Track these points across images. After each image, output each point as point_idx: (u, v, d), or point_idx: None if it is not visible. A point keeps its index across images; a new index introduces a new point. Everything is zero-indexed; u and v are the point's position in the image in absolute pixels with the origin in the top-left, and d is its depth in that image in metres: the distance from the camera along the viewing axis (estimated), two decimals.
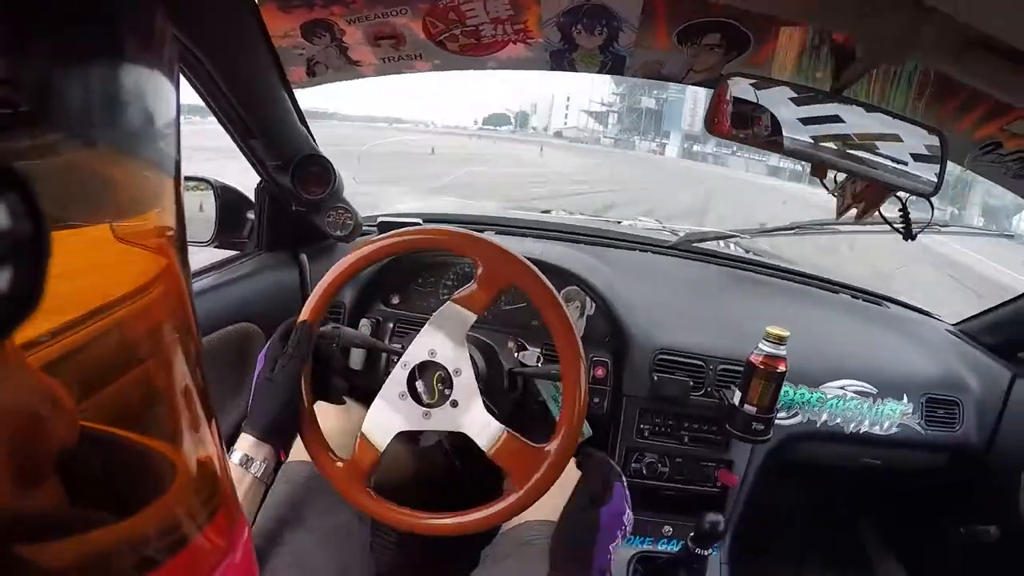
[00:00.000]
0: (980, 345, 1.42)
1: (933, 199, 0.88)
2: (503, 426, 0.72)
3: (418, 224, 1.22)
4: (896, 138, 0.84)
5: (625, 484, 0.78)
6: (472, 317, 0.73)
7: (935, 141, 0.84)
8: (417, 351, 0.74)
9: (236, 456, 0.68)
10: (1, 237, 0.18)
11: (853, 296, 1.51)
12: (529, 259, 0.73)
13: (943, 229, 1.21)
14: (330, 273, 0.77)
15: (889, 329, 1.42)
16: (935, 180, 0.85)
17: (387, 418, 0.74)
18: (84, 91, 0.21)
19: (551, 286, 0.72)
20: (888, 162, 0.84)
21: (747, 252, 1.59)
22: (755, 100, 0.83)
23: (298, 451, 0.88)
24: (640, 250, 1.48)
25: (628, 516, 0.77)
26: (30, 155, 0.19)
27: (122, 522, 0.23)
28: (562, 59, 1.03)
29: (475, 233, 0.75)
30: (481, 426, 0.72)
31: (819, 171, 0.86)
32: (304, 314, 0.76)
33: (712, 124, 0.83)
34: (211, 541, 0.27)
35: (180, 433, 0.27)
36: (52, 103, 0.20)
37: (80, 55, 0.21)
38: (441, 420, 0.74)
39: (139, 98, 0.23)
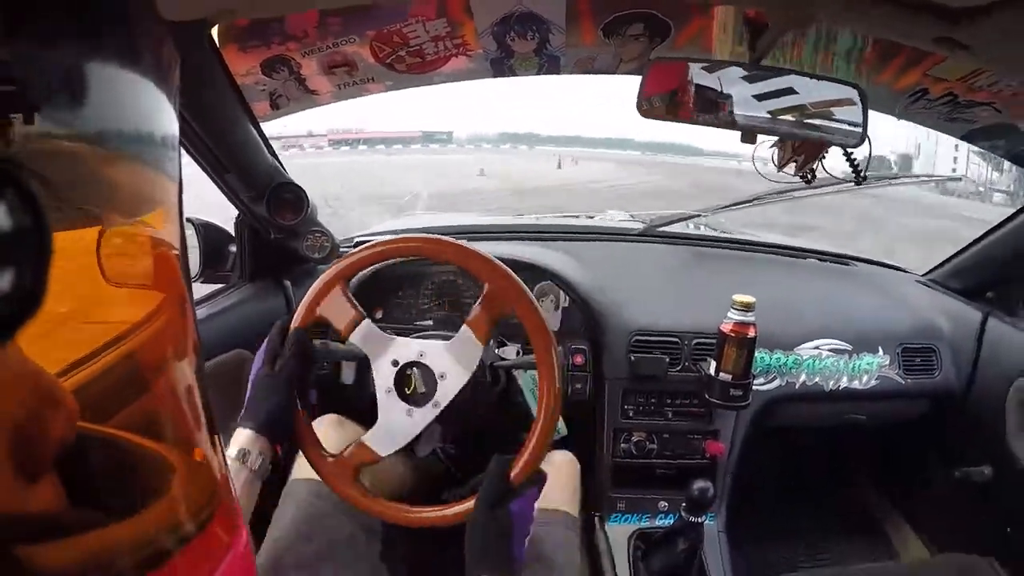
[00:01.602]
0: (949, 291, 1.45)
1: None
2: None
3: None
4: (816, 97, 0.90)
5: (541, 489, 0.78)
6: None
7: (854, 94, 0.89)
8: (407, 351, 0.77)
9: (233, 450, 0.69)
10: (3, 237, 0.18)
11: (820, 259, 1.55)
12: (500, 259, 0.76)
13: (894, 181, 1.25)
14: (320, 279, 0.79)
15: (858, 286, 1.45)
16: (860, 131, 0.90)
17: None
18: (85, 93, 0.21)
19: (519, 280, 0.75)
20: (813, 120, 0.89)
21: (714, 231, 1.63)
22: (685, 78, 0.88)
23: (301, 469, 0.91)
24: (609, 240, 1.53)
25: (547, 512, 0.78)
26: (30, 156, 0.19)
27: (122, 523, 0.24)
28: (502, 66, 1.10)
29: (485, 252, 0.77)
30: (461, 348, 0.76)
31: (749, 137, 0.91)
32: (296, 321, 0.78)
33: (642, 108, 0.88)
34: (210, 542, 0.27)
35: (180, 434, 0.28)
36: (51, 104, 0.20)
37: (82, 59, 0.21)
38: (422, 419, 0.77)
39: (142, 103, 0.24)
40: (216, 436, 0.30)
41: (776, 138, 0.93)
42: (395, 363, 0.77)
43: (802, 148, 0.93)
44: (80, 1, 0.22)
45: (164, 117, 0.26)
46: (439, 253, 0.79)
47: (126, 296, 0.26)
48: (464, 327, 0.76)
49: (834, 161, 1.00)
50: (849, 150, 0.94)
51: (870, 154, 0.96)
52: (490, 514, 0.70)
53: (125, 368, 0.25)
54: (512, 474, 0.73)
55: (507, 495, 0.72)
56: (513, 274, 0.75)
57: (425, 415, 0.77)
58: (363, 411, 0.79)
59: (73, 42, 0.21)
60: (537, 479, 0.76)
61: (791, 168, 0.94)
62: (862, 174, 0.96)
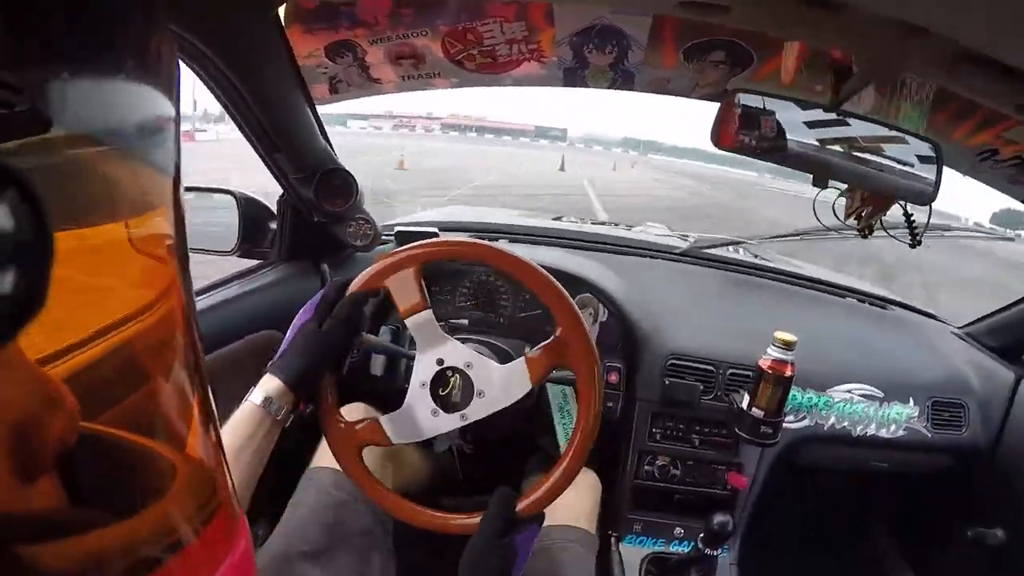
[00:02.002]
0: (985, 348, 1.44)
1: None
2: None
3: (434, 232, 1.26)
4: (893, 147, 0.88)
5: (541, 526, 0.76)
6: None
7: (930, 150, 0.88)
8: (456, 355, 0.75)
9: (258, 396, 0.67)
10: (3, 238, 0.18)
11: (859, 300, 1.54)
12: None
13: (945, 233, 1.24)
14: (397, 253, 0.75)
15: (895, 332, 1.44)
16: (932, 187, 0.89)
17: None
18: (82, 93, 0.21)
19: (566, 293, 0.74)
20: (886, 171, 0.88)
21: (755, 257, 1.62)
22: (762, 107, 0.87)
23: (323, 457, 0.90)
24: (651, 257, 1.51)
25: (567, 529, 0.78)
26: (30, 156, 0.19)
27: (122, 523, 0.24)
28: (575, 76, 1.08)
29: (560, 286, 0.75)
30: (510, 378, 0.75)
31: (822, 181, 0.89)
32: (356, 284, 0.75)
33: (718, 138, 0.87)
34: (210, 542, 0.27)
35: (180, 435, 0.27)
36: (51, 105, 0.20)
37: (78, 59, 0.21)
38: (444, 425, 0.75)
39: (138, 102, 0.24)
40: (217, 437, 0.30)
41: (845, 186, 0.92)
42: (440, 362, 0.76)
43: (871, 200, 0.92)
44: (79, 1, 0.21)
45: (164, 115, 0.25)
46: (520, 276, 0.76)
47: (121, 293, 0.25)
48: (521, 360, 0.74)
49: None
50: (909, 211, 0.93)
51: (930, 214, 0.95)
52: (493, 543, 0.68)
53: (123, 367, 0.25)
54: (520, 507, 0.72)
55: (510, 529, 0.70)
56: (588, 332, 0.73)
57: (449, 422, 0.75)
58: (386, 405, 0.78)
59: (72, 41, 0.21)
60: (540, 517, 0.74)
61: (854, 220, 0.93)
62: (918, 237, 0.94)
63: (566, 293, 0.73)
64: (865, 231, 0.93)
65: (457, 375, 0.77)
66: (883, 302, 1.55)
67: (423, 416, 0.76)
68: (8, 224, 0.18)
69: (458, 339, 0.78)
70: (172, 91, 0.26)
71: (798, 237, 1.35)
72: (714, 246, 1.53)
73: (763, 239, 1.48)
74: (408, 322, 0.75)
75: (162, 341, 0.27)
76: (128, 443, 0.25)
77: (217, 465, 0.29)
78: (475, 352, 0.77)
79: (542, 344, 0.74)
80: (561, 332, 0.73)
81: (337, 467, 0.79)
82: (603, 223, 1.74)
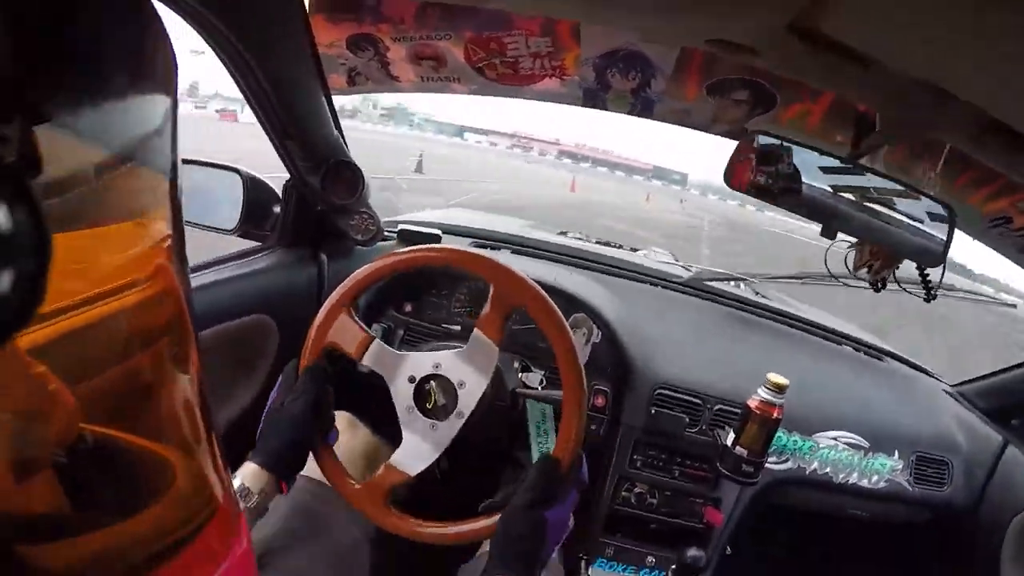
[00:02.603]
0: (975, 408, 1.44)
1: None
2: None
3: (437, 234, 1.26)
4: (906, 203, 0.88)
5: (578, 495, 0.77)
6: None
7: (943, 212, 0.88)
8: (422, 365, 0.77)
9: (235, 483, 0.67)
10: (2, 238, 0.18)
11: (855, 348, 1.54)
12: (540, 283, 0.75)
13: (949, 292, 1.24)
14: (323, 308, 0.78)
15: (886, 384, 1.44)
16: (941, 248, 0.88)
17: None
18: (80, 95, 0.21)
19: (559, 313, 0.75)
20: (895, 225, 0.87)
21: (756, 295, 1.62)
22: (779, 146, 0.86)
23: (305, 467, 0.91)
24: (651, 283, 1.51)
25: (571, 523, 0.76)
26: (30, 156, 0.19)
27: (122, 524, 0.24)
28: (595, 98, 1.07)
29: (486, 254, 0.78)
30: (476, 352, 0.76)
31: (830, 232, 0.89)
32: (305, 359, 0.78)
33: (731, 177, 0.86)
34: (210, 542, 0.27)
35: (180, 436, 0.28)
36: (51, 106, 0.20)
37: (74, 61, 0.21)
38: (447, 432, 0.76)
39: (133, 104, 0.24)
40: (216, 438, 0.30)
41: (855, 239, 0.91)
42: (412, 379, 0.77)
43: (879, 255, 0.91)
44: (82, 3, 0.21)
45: (163, 118, 0.25)
46: (439, 260, 0.80)
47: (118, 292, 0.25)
48: (475, 330, 0.75)
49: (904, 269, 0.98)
50: (923, 267, 0.92)
51: (943, 273, 0.95)
52: (529, 511, 0.69)
53: (123, 368, 0.25)
54: (557, 454, 0.73)
55: (554, 492, 0.71)
56: (517, 270, 0.75)
57: (451, 427, 0.76)
58: (378, 408, 0.78)
59: (75, 44, 0.21)
60: (581, 481, 0.76)
61: (864, 272, 0.92)
62: (932, 292, 0.94)
63: (479, 252, 0.77)
64: (877, 284, 0.93)
65: (433, 381, 0.78)
66: (879, 353, 1.55)
67: (425, 436, 0.76)
68: (6, 224, 0.18)
69: (420, 351, 0.80)
70: (168, 87, 0.26)
71: (800, 280, 1.34)
72: (717, 279, 1.53)
73: (767, 278, 1.48)
74: (364, 361, 0.77)
75: (161, 344, 0.27)
76: (128, 444, 0.25)
77: (217, 465, 0.29)
78: (437, 352, 0.78)
79: (487, 303, 0.75)
80: (493, 285, 0.75)
81: (319, 477, 0.80)
82: (607, 243, 1.72)
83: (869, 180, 0.87)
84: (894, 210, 0.88)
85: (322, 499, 0.86)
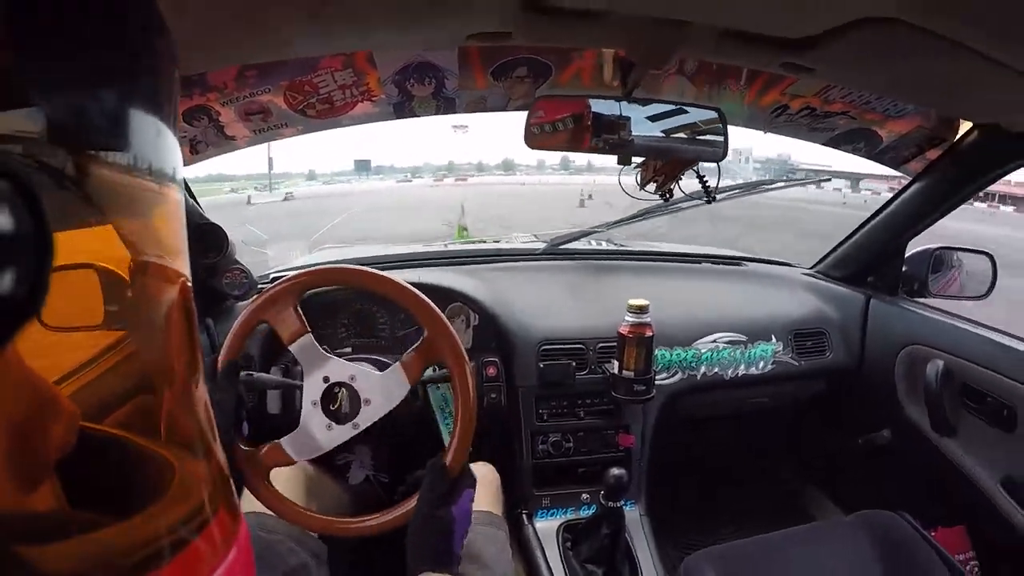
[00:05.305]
0: (834, 279, 1.62)
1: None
2: None
3: None
4: (682, 119, 1.03)
5: (475, 489, 0.83)
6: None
7: (714, 115, 1.01)
8: (340, 371, 0.83)
9: None
10: (2, 238, 0.18)
11: (713, 263, 1.71)
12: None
13: (736, 191, 1.42)
14: (272, 289, 0.82)
15: (750, 283, 1.61)
16: (722, 146, 1.02)
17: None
18: (88, 103, 0.22)
19: (427, 299, 0.82)
20: (679, 140, 1.03)
21: (612, 245, 1.77)
22: (567, 111, 1.00)
23: (248, 503, 0.90)
24: (514, 261, 1.64)
25: (472, 515, 0.83)
26: (31, 156, 0.20)
27: (122, 523, 0.23)
28: (403, 108, 1.21)
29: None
30: (390, 383, 0.82)
31: (625, 159, 1.03)
32: (223, 353, 0.82)
33: (529, 140, 1.00)
34: (210, 542, 0.27)
35: (179, 435, 0.28)
36: (56, 111, 0.20)
37: (85, 70, 0.22)
38: (339, 436, 0.82)
39: (143, 112, 0.25)
40: (216, 436, 0.30)
41: (641, 159, 1.06)
42: (326, 379, 0.82)
43: (663, 169, 1.07)
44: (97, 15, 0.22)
45: (166, 126, 0.26)
46: (385, 292, 0.84)
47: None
48: (397, 365, 0.82)
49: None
50: (702, 174, 1.09)
51: (719, 175, 1.12)
52: (433, 513, 0.74)
53: (123, 370, 0.25)
54: (448, 463, 0.79)
55: (449, 492, 0.76)
56: (452, 328, 0.82)
57: (343, 433, 0.82)
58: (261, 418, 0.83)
59: (86, 55, 0.22)
60: (471, 479, 0.82)
61: (652, 187, 1.08)
62: (712, 194, 1.11)
63: (427, 299, 0.82)
64: (666, 195, 1.08)
65: (343, 389, 0.83)
66: (736, 260, 1.73)
67: (319, 432, 0.82)
68: (7, 224, 0.18)
69: (341, 357, 0.85)
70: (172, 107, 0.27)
71: (640, 218, 1.49)
72: (570, 240, 1.66)
73: (609, 225, 1.62)
74: (292, 348, 0.83)
75: (164, 345, 0.27)
76: (129, 444, 0.25)
77: (216, 464, 0.29)
78: (357, 366, 0.84)
79: (413, 347, 0.83)
80: (428, 333, 0.82)
81: (262, 510, 0.83)
82: (471, 241, 1.86)
83: (648, 110, 1.02)
84: (672, 126, 1.03)
85: (268, 528, 0.89)
